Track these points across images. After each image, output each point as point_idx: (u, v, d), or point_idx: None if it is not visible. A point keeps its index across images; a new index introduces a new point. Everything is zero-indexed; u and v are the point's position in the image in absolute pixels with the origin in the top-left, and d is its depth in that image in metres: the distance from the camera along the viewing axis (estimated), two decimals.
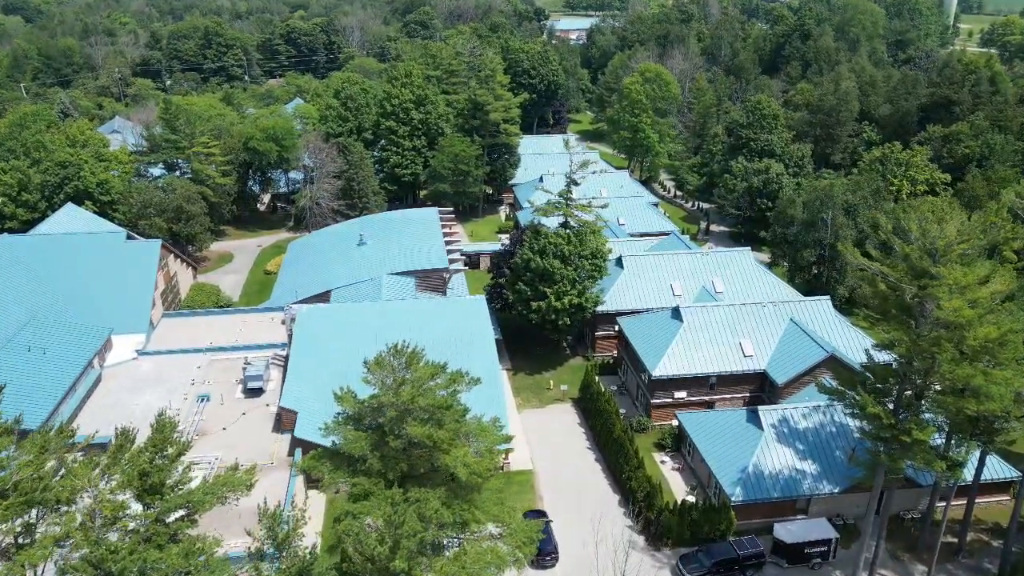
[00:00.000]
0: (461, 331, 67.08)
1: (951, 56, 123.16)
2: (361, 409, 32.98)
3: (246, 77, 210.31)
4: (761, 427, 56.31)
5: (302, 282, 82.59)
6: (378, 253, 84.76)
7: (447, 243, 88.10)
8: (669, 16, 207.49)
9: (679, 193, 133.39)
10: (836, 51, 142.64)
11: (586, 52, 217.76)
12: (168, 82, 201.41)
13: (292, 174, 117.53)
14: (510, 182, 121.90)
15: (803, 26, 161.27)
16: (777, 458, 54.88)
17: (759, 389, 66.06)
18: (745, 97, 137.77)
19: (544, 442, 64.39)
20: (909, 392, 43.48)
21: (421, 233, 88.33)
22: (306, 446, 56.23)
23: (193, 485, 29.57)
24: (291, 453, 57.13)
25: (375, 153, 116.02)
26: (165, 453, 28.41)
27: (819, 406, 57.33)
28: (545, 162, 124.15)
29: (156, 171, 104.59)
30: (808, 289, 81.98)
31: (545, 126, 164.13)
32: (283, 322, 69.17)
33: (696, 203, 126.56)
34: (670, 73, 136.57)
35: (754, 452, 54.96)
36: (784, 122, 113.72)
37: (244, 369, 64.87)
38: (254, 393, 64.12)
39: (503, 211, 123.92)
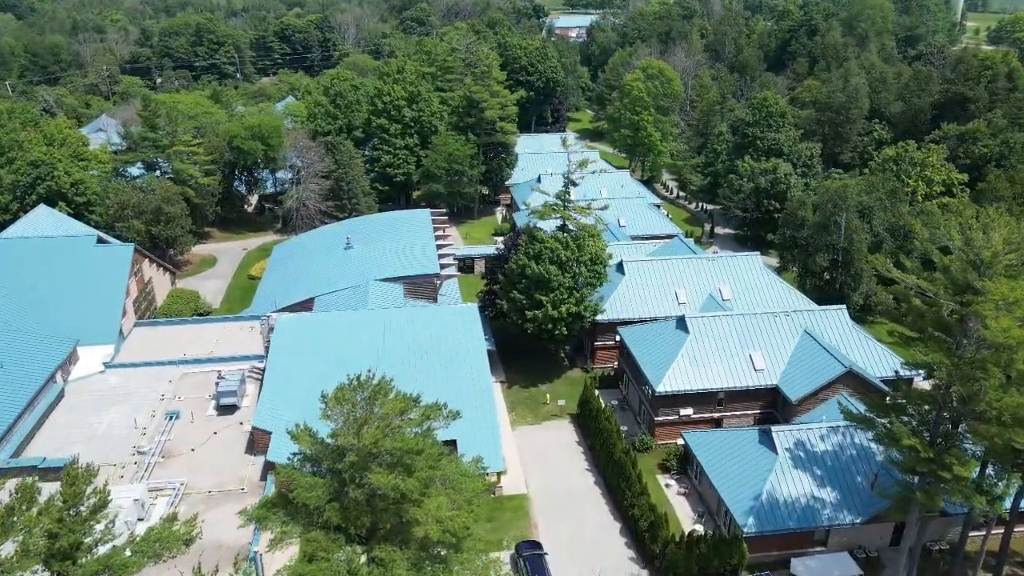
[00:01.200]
0: (450, 342, 62.57)
1: (965, 52, 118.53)
2: (319, 450, 28.33)
3: (238, 75, 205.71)
4: (775, 449, 51.72)
5: (284, 288, 78.06)
6: (365, 258, 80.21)
7: (439, 247, 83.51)
8: (671, 12, 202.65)
9: (682, 194, 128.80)
10: (844, 47, 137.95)
11: (586, 50, 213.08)
12: (159, 80, 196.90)
13: (280, 174, 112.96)
14: (507, 182, 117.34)
15: (810, 21, 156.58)
16: (793, 484, 50.29)
17: (771, 406, 61.49)
18: (750, 95, 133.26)
19: (540, 463, 59.83)
20: (947, 419, 38.86)
21: (411, 236, 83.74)
22: (277, 469, 51.72)
23: (120, 541, 24.94)
24: (264, 478, 52.57)
25: (366, 152, 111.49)
26: (79, 509, 23.83)
27: (837, 426, 52.73)
28: (543, 162, 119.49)
29: (136, 171, 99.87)
30: (820, 296, 77.38)
31: (544, 125, 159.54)
32: (261, 332, 64.60)
33: (699, 204, 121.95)
34: (672, 69, 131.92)
35: (767, 477, 50.37)
36: (791, 120, 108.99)
37: (217, 384, 60.31)
38: (227, 410, 59.55)
39: (499, 213, 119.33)
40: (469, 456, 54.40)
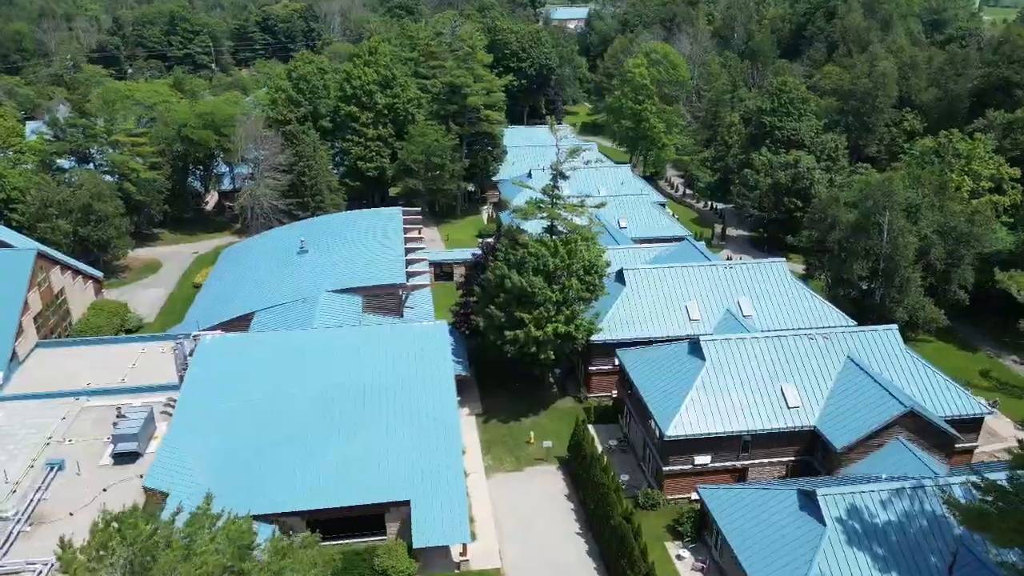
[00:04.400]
0: (410, 370, 50.47)
1: (1009, 31, 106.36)
2: None
3: (213, 65, 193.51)
4: (821, 519, 39.58)
5: (222, 301, 66.03)
6: (320, 264, 68.10)
7: (409, 250, 71.38)
8: None
9: (689, 191, 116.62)
10: (867, 30, 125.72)
11: (584, 40, 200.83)
12: (129, 71, 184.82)
13: (240, 169, 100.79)
14: (494, 178, 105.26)
15: (828, 3, 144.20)
16: (847, 566, 38.14)
17: (808, 451, 49.34)
18: (763, 83, 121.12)
19: (519, 524, 47.72)
20: None
21: (377, 239, 71.57)
22: None
23: None
24: None
25: (336, 144, 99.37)
26: None
27: (902, 488, 40.58)
28: (536, 156, 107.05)
29: (69, 164, 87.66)
30: (855, 310, 65.26)
31: (537, 117, 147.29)
32: (175, 358, 52.48)
33: (709, 203, 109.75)
34: (679, 54, 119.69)
35: (813, 557, 38.22)
36: (814, 108, 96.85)
37: (114, 424, 48.16)
38: (125, 459, 47.37)
39: (486, 212, 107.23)
40: (424, 526, 42.96)
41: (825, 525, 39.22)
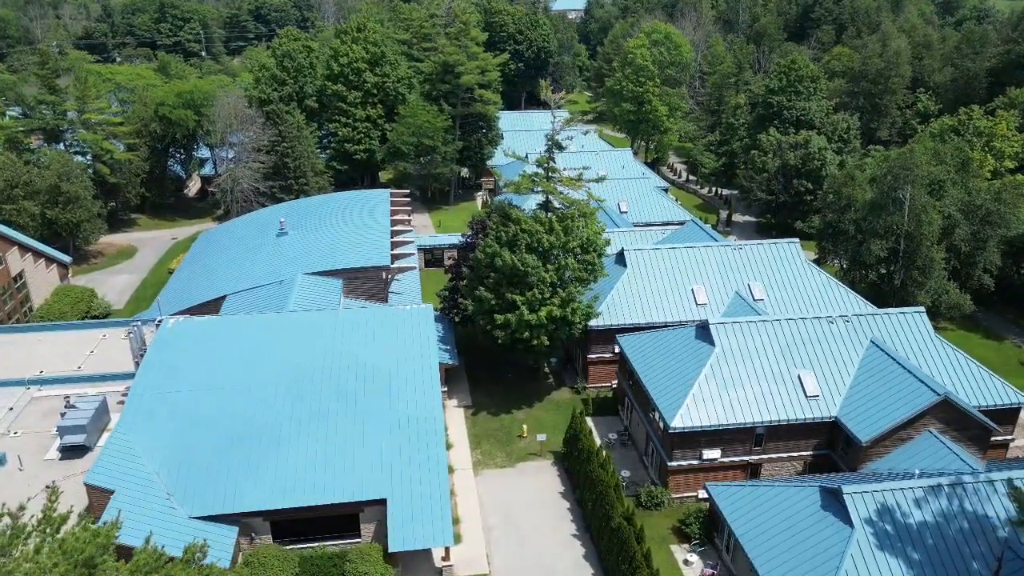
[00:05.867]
0: (390, 357, 45.87)
1: None
2: None
3: (203, 53, 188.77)
4: (848, 519, 35.07)
5: (192, 285, 61.49)
6: (299, 246, 63.56)
7: (396, 232, 66.81)
8: None
9: (692, 177, 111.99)
10: (877, 10, 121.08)
11: (584, 28, 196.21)
12: (117, 59, 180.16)
13: (224, 153, 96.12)
14: (489, 163, 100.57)
15: None
16: (876, 572, 33.63)
17: (827, 446, 44.79)
18: (769, 67, 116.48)
19: (509, 525, 43.21)
20: None
21: (361, 221, 67.03)
22: (119, 551, 35.08)
23: None
24: None
25: (324, 127, 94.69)
26: None
27: (939, 485, 36.06)
28: (533, 141, 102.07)
29: (40, 144, 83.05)
30: (874, 296, 60.69)
31: (534, 103, 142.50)
32: (130, 343, 47.86)
33: (713, 189, 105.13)
34: (681, 34, 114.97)
35: (840, 565, 33.71)
36: (824, 87, 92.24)
37: (62, 414, 43.60)
38: (73, 452, 42.80)
39: (481, 198, 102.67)
40: (401, 528, 38.47)
41: (852, 527, 34.71)
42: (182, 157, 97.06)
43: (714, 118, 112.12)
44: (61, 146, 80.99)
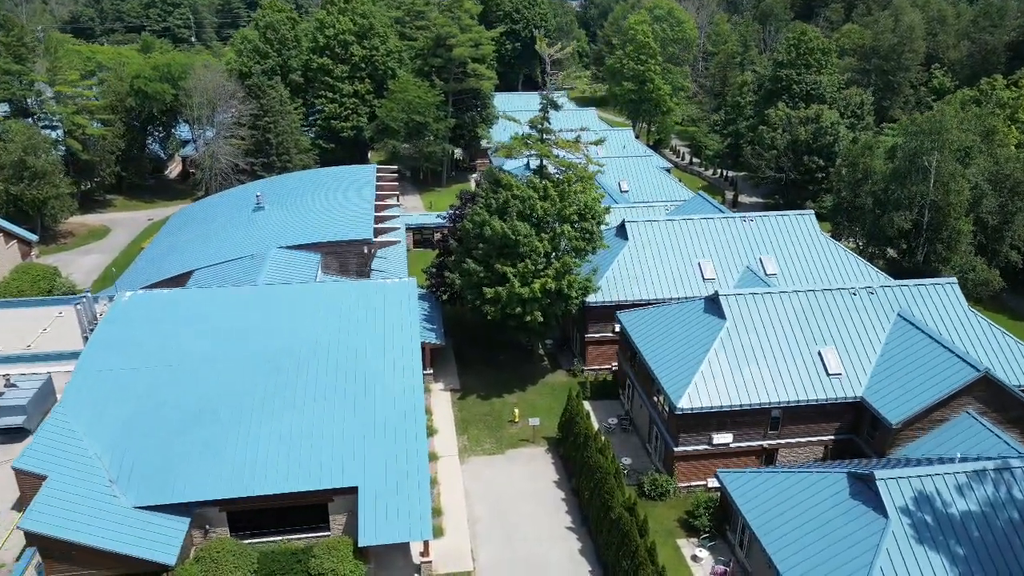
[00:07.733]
0: (365, 331, 41.48)
1: None
2: None
3: (193, 39, 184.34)
4: (882, 509, 30.70)
5: (159, 261, 57.13)
6: (276, 221, 59.21)
7: (380, 207, 62.44)
8: None
9: (696, 159, 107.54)
10: None
11: (584, 15, 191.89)
12: (105, 45, 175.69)
13: (207, 133, 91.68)
14: (484, 144, 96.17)
15: None
16: (917, 569, 29.27)
17: (851, 428, 40.39)
18: (775, 47, 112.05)
19: (497, 516, 38.83)
20: None
21: (343, 195, 62.64)
22: (49, 545, 30.75)
23: None
24: (20, 557, 31.59)
25: (311, 102, 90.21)
26: None
27: (984, 470, 31.70)
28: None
29: (6, 115, 78.55)
30: (894, 273, 56.28)
31: (532, 86, 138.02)
32: (79, 318, 43.52)
33: (718, 170, 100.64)
34: (684, 11, 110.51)
35: (874, 560, 29.34)
36: (836, 60, 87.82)
37: (0, 395, 39.25)
38: (12, 435, 38.46)
39: (475, 179, 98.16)
40: (374, 519, 34.11)
41: (887, 517, 30.35)
42: (161, 136, 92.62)
43: (718, 100, 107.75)
44: (29, 120, 76.48)
